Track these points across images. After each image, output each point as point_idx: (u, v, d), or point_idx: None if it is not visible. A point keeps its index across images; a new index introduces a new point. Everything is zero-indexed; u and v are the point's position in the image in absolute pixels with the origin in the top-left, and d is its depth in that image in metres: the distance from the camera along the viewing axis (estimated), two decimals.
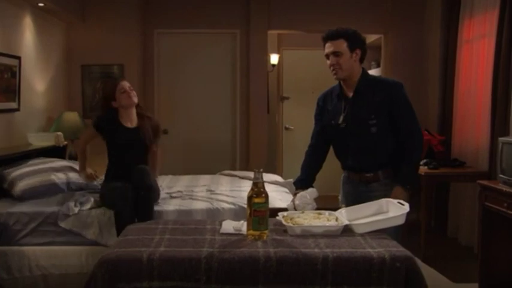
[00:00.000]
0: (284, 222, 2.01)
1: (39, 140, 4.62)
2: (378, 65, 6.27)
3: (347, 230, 2.03)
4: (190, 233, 1.93)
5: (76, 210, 3.36)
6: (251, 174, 4.76)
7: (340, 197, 2.81)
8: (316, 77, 6.02)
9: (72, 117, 5.04)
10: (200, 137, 5.92)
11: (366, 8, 5.72)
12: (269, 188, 4.13)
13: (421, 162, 4.56)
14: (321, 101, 2.75)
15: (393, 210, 2.19)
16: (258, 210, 1.87)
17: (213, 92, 5.95)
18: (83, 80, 5.65)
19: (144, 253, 1.67)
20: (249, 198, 1.90)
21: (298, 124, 6.86)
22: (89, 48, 5.57)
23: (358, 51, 2.54)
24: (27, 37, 4.74)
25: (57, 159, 4.29)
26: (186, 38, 5.90)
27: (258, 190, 1.90)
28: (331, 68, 2.55)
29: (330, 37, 2.54)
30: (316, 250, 1.76)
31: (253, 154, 5.84)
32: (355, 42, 2.52)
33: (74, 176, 3.97)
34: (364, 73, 2.61)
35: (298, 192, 2.58)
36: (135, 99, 3.50)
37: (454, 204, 4.99)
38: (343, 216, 2.17)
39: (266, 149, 5.99)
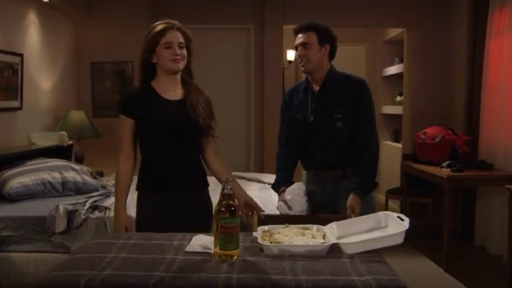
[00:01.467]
0: (260, 240, 1.72)
1: (42, 140, 4.51)
2: (401, 61, 5.90)
3: (335, 249, 1.73)
4: (151, 251, 1.68)
5: (62, 227, 3.14)
6: (261, 176, 4.63)
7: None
8: None
9: (78, 116, 4.90)
10: None
11: (387, 0, 5.36)
12: (273, 192, 3.94)
13: (444, 164, 4.25)
14: (287, 97, 2.74)
15: (393, 225, 1.89)
16: (226, 227, 1.60)
17: (226, 90, 5.71)
18: (92, 77, 5.52)
19: (83, 278, 1.42)
20: (216, 212, 1.63)
21: None
22: (98, 46, 5.43)
23: (328, 46, 2.56)
24: (32, 34, 4.62)
25: (58, 159, 4.14)
26: (197, 33, 5.48)
27: (227, 203, 1.62)
28: (299, 59, 2.57)
29: (300, 29, 2.57)
30: (288, 277, 1.47)
31: (267, 155, 5.58)
32: (325, 37, 2.55)
33: (70, 176, 3.82)
34: (332, 69, 2.62)
35: (284, 190, 2.56)
36: (182, 65, 2.27)
37: (482, 209, 4.63)
38: (334, 231, 1.87)
39: None
